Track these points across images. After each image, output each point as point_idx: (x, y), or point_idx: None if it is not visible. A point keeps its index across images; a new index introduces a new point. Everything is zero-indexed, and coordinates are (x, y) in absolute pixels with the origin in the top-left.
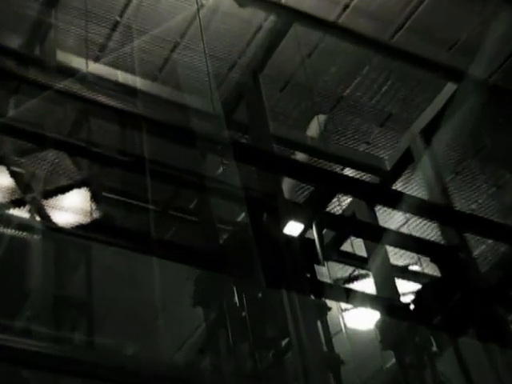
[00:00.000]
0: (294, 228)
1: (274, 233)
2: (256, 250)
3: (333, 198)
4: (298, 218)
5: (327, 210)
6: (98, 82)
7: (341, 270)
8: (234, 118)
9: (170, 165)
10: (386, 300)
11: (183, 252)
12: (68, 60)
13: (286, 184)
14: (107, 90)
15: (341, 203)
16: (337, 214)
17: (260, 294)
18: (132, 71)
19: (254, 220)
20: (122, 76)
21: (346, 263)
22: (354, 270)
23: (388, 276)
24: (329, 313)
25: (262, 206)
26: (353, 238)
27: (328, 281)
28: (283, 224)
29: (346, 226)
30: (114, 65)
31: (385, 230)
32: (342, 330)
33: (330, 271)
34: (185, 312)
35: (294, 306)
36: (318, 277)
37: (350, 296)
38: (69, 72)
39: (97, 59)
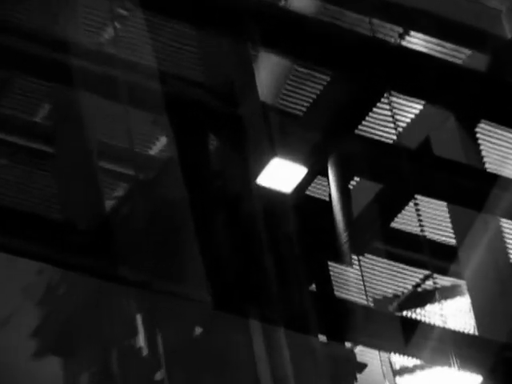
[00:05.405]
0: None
1: (231, 187)
2: (189, 231)
3: None
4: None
5: None
6: None
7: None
8: None
9: None
10: None
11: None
12: None
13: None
14: None
15: None
16: None
17: (198, 332)
18: None
19: (183, 158)
20: None
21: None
22: None
23: None
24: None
25: (205, 118)
26: None
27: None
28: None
29: None
30: None
31: None
32: None
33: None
34: None
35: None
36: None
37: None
38: None
39: None
